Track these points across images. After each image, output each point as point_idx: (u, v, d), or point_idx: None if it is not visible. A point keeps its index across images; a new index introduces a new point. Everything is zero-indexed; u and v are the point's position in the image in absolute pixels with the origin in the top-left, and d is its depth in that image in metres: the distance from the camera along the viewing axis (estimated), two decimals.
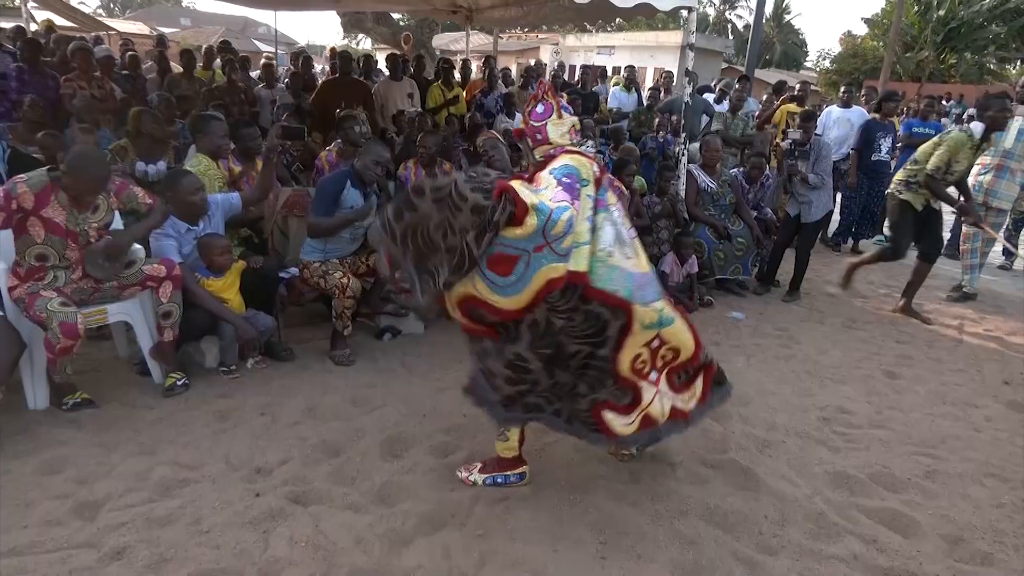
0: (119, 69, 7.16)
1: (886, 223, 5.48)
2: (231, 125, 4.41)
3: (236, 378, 3.59)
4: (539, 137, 2.57)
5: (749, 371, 4.12)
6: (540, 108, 2.58)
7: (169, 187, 3.52)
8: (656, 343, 2.46)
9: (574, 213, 2.30)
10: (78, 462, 2.77)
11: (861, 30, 34.90)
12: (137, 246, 3.60)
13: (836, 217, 7.37)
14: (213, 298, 3.58)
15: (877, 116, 7.33)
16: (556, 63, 12.35)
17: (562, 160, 2.45)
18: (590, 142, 2.57)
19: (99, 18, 20.31)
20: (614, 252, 2.37)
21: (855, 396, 3.87)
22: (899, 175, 5.25)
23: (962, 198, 5.25)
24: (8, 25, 7.77)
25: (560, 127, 2.54)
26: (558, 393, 2.50)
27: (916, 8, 27.23)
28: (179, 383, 3.41)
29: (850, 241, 7.72)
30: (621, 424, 2.49)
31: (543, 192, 2.36)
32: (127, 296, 3.41)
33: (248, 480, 2.71)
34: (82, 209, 3.18)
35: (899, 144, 7.98)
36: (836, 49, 37.58)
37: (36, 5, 9.42)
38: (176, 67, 7.59)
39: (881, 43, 28.10)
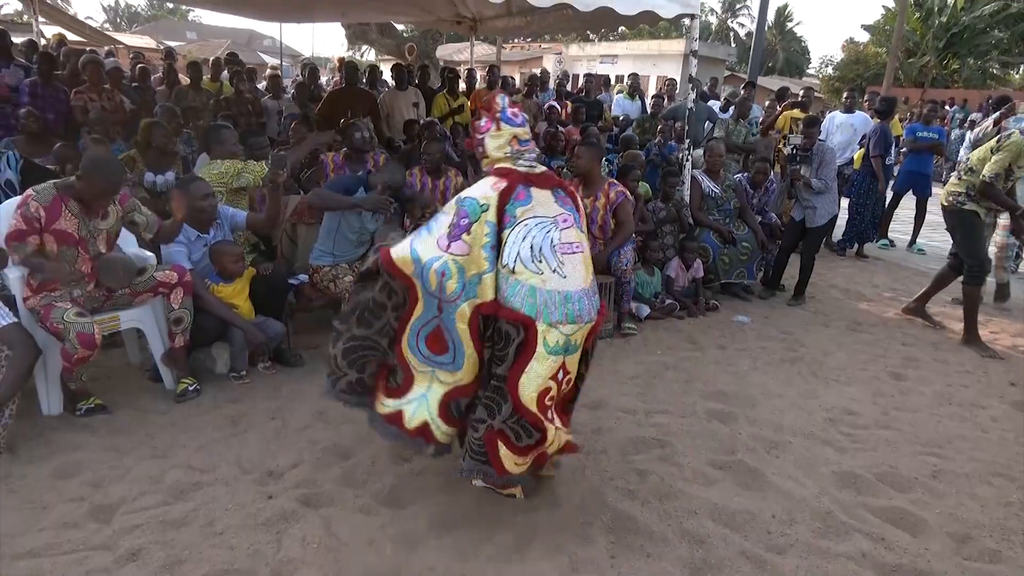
0: (128, 81, 7.25)
1: (956, 240, 4.96)
2: (240, 135, 4.47)
3: (246, 383, 3.63)
4: (480, 151, 2.56)
5: (755, 374, 4.14)
6: (483, 122, 2.54)
7: (181, 193, 3.56)
8: (561, 374, 2.37)
9: (447, 258, 2.29)
10: (92, 466, 2.81)
11: (862, 37, 34.97)
12: (148, 253, 3.66)
13: (842, 221, 7.40)
14: (223, 304, 3.62)
15: (884, 121, 7.35)
16: (559, 72, 12.41)
17: (471, 190, 2.41)
18: (531, 152, 2.49)
19: (107, 33, 20.54)
20: (517, 267, 2.27)
21: (861, 397, 3.88)
22: (953, 185, 4.84)
23: None
24: (20, 40, 7.85)
25: (498, 139, 2.48)
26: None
27: (918, 14, 27.27)
28: (191, 388, 3.45)
29: (855, 245, 7.73)
30: (513, 462, 2.41)
31: (428, 235, 2.38)
32: (139, 303, 3.46)
33: (260, 483, 2.75)
34: (93, 216, 3.23)
35: (902, 149, 8.02)
36: (838, 56, 37.60)
37: (46, 20, 9.54)
38: (184, 79, 7.67)
39: (884, 49, 28.14)
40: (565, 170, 6.01)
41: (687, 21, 5.44)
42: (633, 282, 4.81)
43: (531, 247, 2.28)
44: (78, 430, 3.10)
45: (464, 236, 2.31)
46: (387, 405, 2.48)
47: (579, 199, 2.53)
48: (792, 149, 5.55)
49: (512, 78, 9.59)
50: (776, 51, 41.35)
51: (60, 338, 3.06)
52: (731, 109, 8.28)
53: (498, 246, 2.31)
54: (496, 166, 2.46)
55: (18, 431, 2.96)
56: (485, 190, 2.36)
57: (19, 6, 26.97)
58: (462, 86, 8.51)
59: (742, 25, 45.56)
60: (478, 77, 10.19)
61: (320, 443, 3.06)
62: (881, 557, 2.47)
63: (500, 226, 2.31)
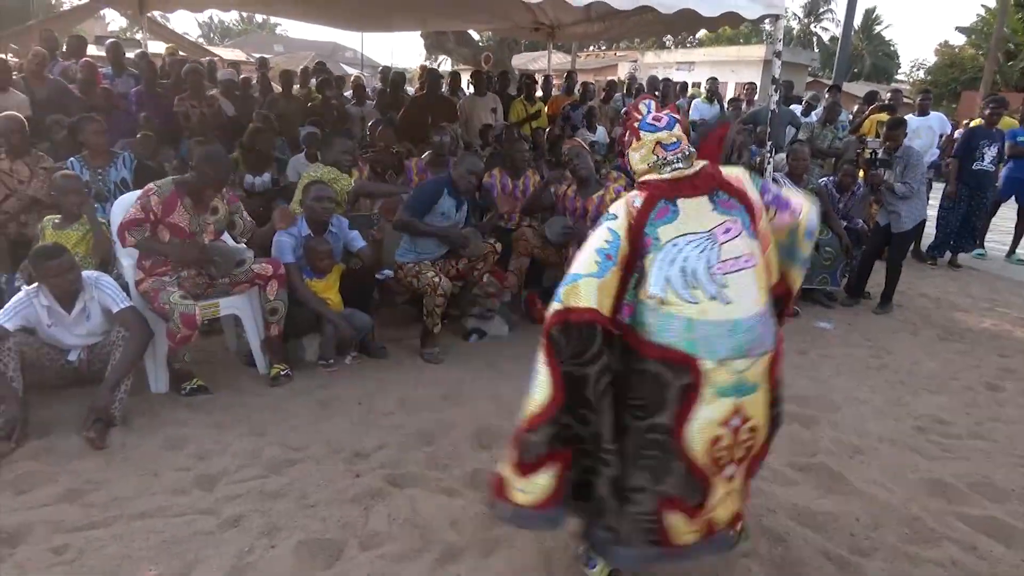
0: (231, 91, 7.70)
1: None
2: (324, 135, 4.70)
3: (334, 371, 3.81)
4: (629, 169, 2.26)
5: (838, 379, 4.04)
6: (626, 137, 2.23)
7: (284, 211, 3.84)
8: (736, 420, 1.91)
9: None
10: (197, 440, 3.02)
11: (957, 40, 33.22)
12: (243, 245, 3.90)
13: (932, 229, 7.10)
14: (316, 297, 3.82)
15: (982, 123, 7.02)
16: (628, 75, 12.35)
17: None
18: (679, 155, 2.06)
19: (203, 46, 21.74)
20: (668, 297, 1.89)
21: (952, 407, 3.73)
22: None
23: None
24: (131, 54, 8.45)
25: (639, 150, 2.13)
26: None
27: (1020, 14, 25.72)
28: (283, 373, 3.65)
29: (948, 254, 7.38)
30: (685, 531, 1.96)
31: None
32: (237, 292, 3.69)
33: (348, 462, 2.89)
34: (202, 211, 3.48)
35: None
36: (931, 60, 35.88)
37: (151, 36, 10.23)
38: (276, 87, 8.08)
39: (982, 51, 26.68)
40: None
41: (768, 26, 5.37)
42: None
43: (682, 271, 1.91)
44: (182, 407, 3.34)
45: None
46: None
47: (750, 194, 2.07)
48: (871, 153, 5.38)
49: (592, 83, 9.61)
50: (862, 56, 39.78)
51: (166, 318, 3.31)
52: (812, 113, 8.08)
53: (620, 260, 1.94)
54: (640, 180, 2.11)
55: (131, 406, 3.21)
56: (619, 204, 2.05)
57: (124, 23, 28.99)
58: (539, 92, 8.62)
59: (825, 30, 44.05)
60: (554, 84, 10.30)
61: (404, 428, 3.19)
62: (972, 565, 2.39)
63: (635, 247, 1.96)
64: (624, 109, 8.15)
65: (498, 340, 4.47)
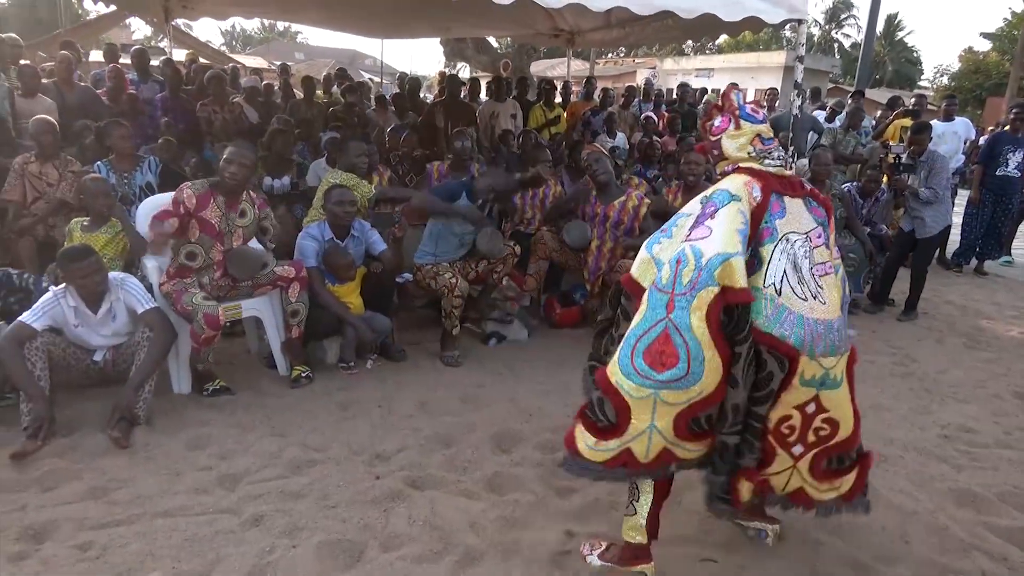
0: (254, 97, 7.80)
1: None
2: (339, 140, 4.74)
3: (354, 373, 3.83)
4: (716, 153, 2.24)
5: (862, 387, 3.89)
6: (718, 121, 2.22)
7: (326, 197, 3.87)
8: (812, 407, 2.03)
9: (685, 246, 1.96)
10: (219, 440, 3.05)
11: (981, 46, 32.82)
12: (268, 251, 3.93)
13: (957, 236, 7.00)
14: (337, 300, 3.84)
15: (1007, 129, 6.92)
16: (646, 81, 12.33)
17: (721, 184, 2.11)
18: (777, 150, 2.16)
19: (226, 54, 22.06)
20: (783, 289, 1.98)
21: (980, 416, 3.66)
22: None
23: None
24: (157, 62, 8.60)
25: (738, 139, 2.15)
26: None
27: None
28: (304, 375, 3.67)
29: (973, 261, 7.27)
30: (747, 489, 2.09)
31: (668, 240, 2.08)
32: (259, 294, 3.71)
33: (369, 464, 2.90)
34: (232, 210, 3.52)
35: None
36: (955, 66, 35.44)
37: (175, 44, 10.40)
38: (298, 93, 8.17)
39: (1007, 57, 26.33)
40: (660, 180, 5.99)
41: (788, 33, 5.33)
42: None
43: (794, 267, 2.01)
44: (205, 408, 3.36)
45: (707, 222, 1.99)
46: (607, 448, 1.99)
47: (830, 207, 2.20)
48: (895, 158, 5.31)
49: (611, 89, 9.62)
50: (885, 62, 39.38)
51: (189, 319, 3.34)
52: (836, 119, 8.01)
53: (750, 240, 1.99)
54: (741, 165, 2.14)
55: (154, 406, 3.24)
56: (736, 184, 2.05)
57: (148, 31, 29.50)
58: (558, 98, 8.63)
59: (847, 36, 43.72)
60: (573, 90, 10.31)
61: (423, 431, 3.19)
62: None
63: (757, 236, 2.02)
64: (644, 115, 8.15)
65: (517, 344, 4.46)
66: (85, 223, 3.83)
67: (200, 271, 3.51)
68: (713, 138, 2.23)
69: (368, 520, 2.50)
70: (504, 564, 2.30)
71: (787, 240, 2.03)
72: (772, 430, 2.04)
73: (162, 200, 3.65)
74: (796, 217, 2.07)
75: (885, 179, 5.66)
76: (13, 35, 6.46)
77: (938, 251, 7.00)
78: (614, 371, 1.96)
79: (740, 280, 1.90)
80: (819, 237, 2.09)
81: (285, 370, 3.78)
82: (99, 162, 4.46)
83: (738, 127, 2.17)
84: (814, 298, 2.01)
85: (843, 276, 2.17)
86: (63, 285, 3.13)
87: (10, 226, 4.26)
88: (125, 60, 8.54)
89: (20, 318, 3.03)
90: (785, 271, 2.00)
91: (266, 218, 3.77)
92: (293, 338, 3.72)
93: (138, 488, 2.65)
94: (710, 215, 2.01)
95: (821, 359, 1.99)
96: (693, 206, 2.10)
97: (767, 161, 2.12)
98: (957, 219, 6.78)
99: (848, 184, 5.94)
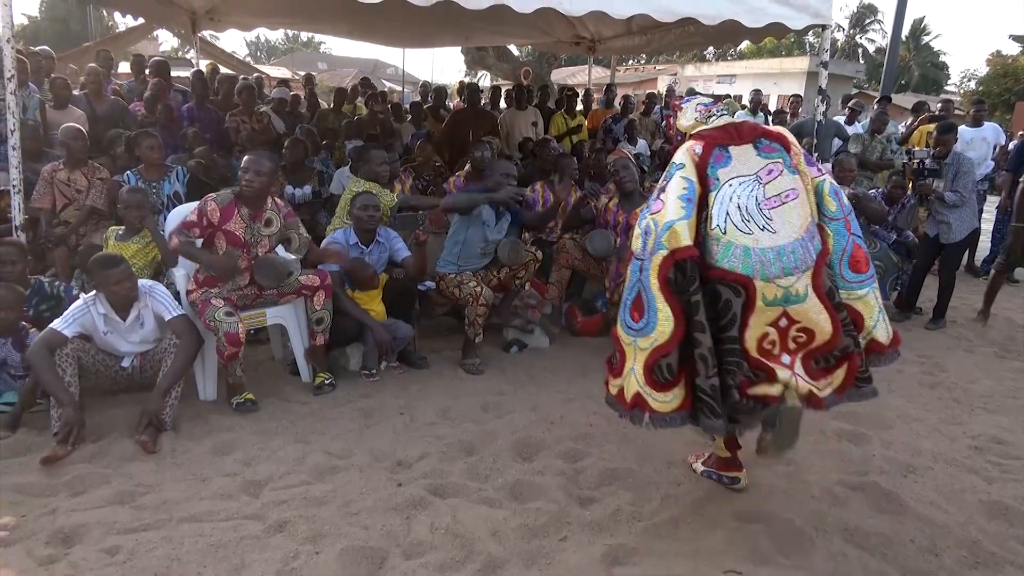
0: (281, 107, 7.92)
1: None
2: (360, 149, 4.79)
3: (376, 381, 3.85)
4: (679, 139, 2.63)
5: (890, 397, 3.91)
6: (672, 116, 2.78)
7: (351, 203, 3.94)
8: (784, 322, 2.33)
9: (648, 218, 2.38)
10: (243, 446, 3.08)
11: (1010, 49, 32.26)
12: (292, 257, 3.97)
13: (987, 243, 6.87)
14: (358, 306, 3.87)
15: None
16: (668, 88, 12.35)
17: (674, 156, 2.49)
18: (719, 107, 2.57)
19: (251, 64, 22.39)
20: (727, 228, 2.32)
21: (1012, 427, 3.58)
22: None
23: None
24: (183, 73, 8.77)
25: (684, 115, 2.61)
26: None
27: None
28: (327, 383, 3.70)
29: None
30: (766, 389, 2.33)
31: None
32: (284, 302, 3.75)
33: (391, 471, 2.91)
34: (257, 220, 3.56)
35: None
36: (982, 70, 34.84)
37: (202, 56, 10.59)
38: (323, 103, 8.27)
39: None
40: None
41: (811, 38, 5.29)
42: None
43: (739, 207, 2.33)
44: (230, 414, 3.40)
45: (661, 195, 2.39)
46: (615, 384, 2.49)
47: (789, 138, 2.48)
48: (918, 163, 5.22)
49: (632, 96, 9.61)
50: (910, 67, 38.85)
51: (214, 334, 3.38)
52: (856, 121, 7.91)
53: (696, 201, 2.34)
54: (691, 134, 2.54)
55: (181, 412, 3.28)
56: (681, 153, 2.44)
57: (175, 43, 30.03)
58: (579, 106, 8.64)
59: (871, 41, 43.21)
60: (594, 97, 10.31)
61: (445, 438, 3.20)
62: None
63: (703, 188, 2.37)
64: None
65: (538, 352, 4.46)
66: (120, 232, 3.91)
67: (227, 276, 3.55)
68: (673, 126, 2.69)
69: (390, 527, 2.51)
70: (526, 572, 2.29)
71: (729, 186, 2.36)
72: (757, 348, 2.33)
73: (190, 209, 3.70)
74: (743, 162, 2.39)
75: (910, 185, 5.58)
76: (46, 47, 6.63)
77: (967, 258, 6.88)
78: (619, 325, 2.45)
79: (684, 240, 2.28)
80: (770, 173, 2.38)
81: (308, 377, 3.81)
82: (128, 171, 4.55)
83: (680, 109, 2.65)
84: (761, 230, 2.32)
85: (829, 190, 2.45)
86: (93, 293, 3.20)
87: (45, 235, 4.35)
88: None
89: (51, 325, 3.10)
90: (728, 212, 2.33)
91: (292, 228, 3.75)
92: (317, 345, 3.75)
93: (165, 493, 2.69)
94: (663, 188, 2.41)
95: (777, 281, 2.29)
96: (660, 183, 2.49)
97: (712, 120, 2.52)
98: (987, 225, 6.65)
99: (874, 190, 5.87)
